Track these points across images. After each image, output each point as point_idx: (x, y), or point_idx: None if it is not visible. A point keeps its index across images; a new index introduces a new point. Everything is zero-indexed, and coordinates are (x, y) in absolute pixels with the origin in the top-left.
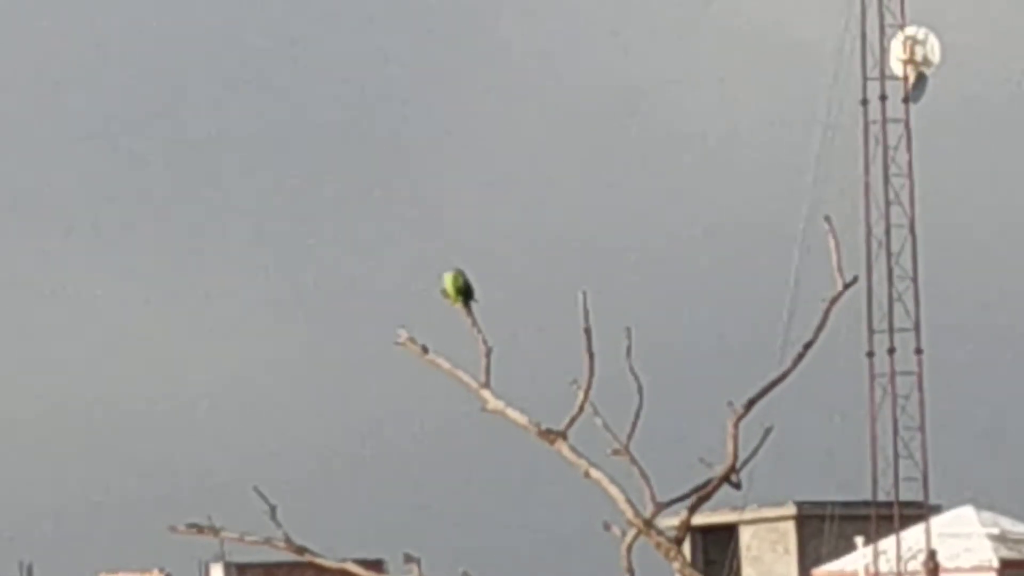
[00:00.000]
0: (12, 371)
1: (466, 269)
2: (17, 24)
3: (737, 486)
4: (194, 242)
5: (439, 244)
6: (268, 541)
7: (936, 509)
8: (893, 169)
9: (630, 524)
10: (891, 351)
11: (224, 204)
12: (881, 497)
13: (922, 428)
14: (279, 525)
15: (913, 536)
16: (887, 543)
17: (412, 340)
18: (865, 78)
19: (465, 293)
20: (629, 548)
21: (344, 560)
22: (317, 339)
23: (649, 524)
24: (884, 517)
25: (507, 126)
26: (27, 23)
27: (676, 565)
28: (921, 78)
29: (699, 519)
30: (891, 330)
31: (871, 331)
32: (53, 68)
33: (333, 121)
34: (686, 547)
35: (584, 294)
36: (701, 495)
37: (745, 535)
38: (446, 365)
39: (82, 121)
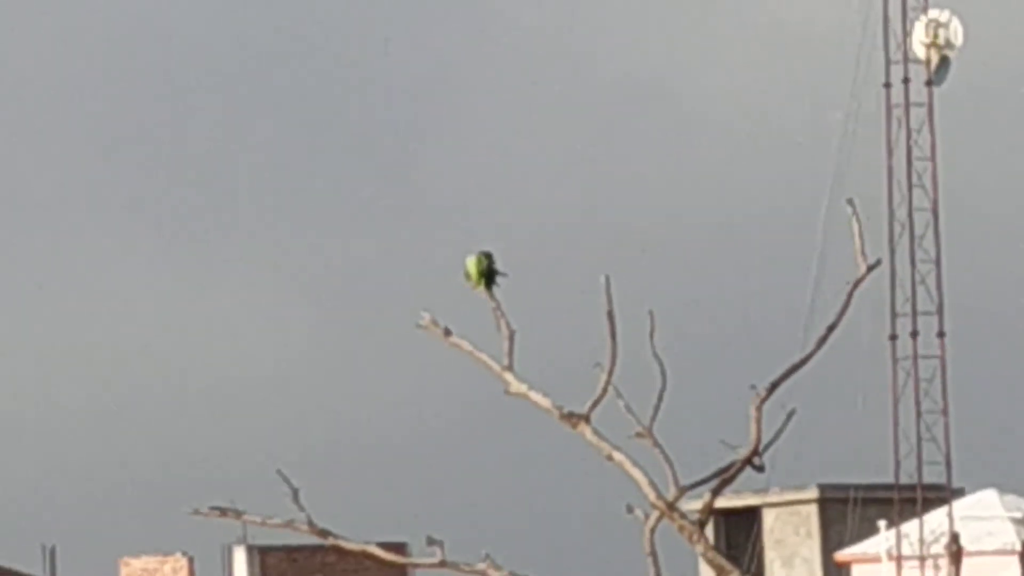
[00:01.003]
0: (36, 358)
1: (487, 253)
2: (22, 24)
3: (760, 469)
4: (213, 231)
5: (460, 229)
6: (290, 524)
7: (959, 492)
8: (916, 152)
9: (653, 507)
10: (914, 334)
11: (240, 190)
12: (904, 480)
13: (945, 411)
14: (302, 508)
15: (936, 519)
16: (910, 526)
17: (435, 322)
18: (888, 61)
19: (488, 276)
20: (652, 531)
21: (367, 543)
22: (340, 323)
23: (672, 507)
24: (907, 500)
25: (529, 110)
26: (31, 22)
27: (699, 548)
28: (944, 61)
29: (722, 502)
30: (914, 313)
31: (894, 314)
32: (66, 67)
33: (348, 103)
34: (708, 530)
35: (607, 278)
36: (724, 478)
37: (768, 518)
38: (468, 347)
39: (90, 115)
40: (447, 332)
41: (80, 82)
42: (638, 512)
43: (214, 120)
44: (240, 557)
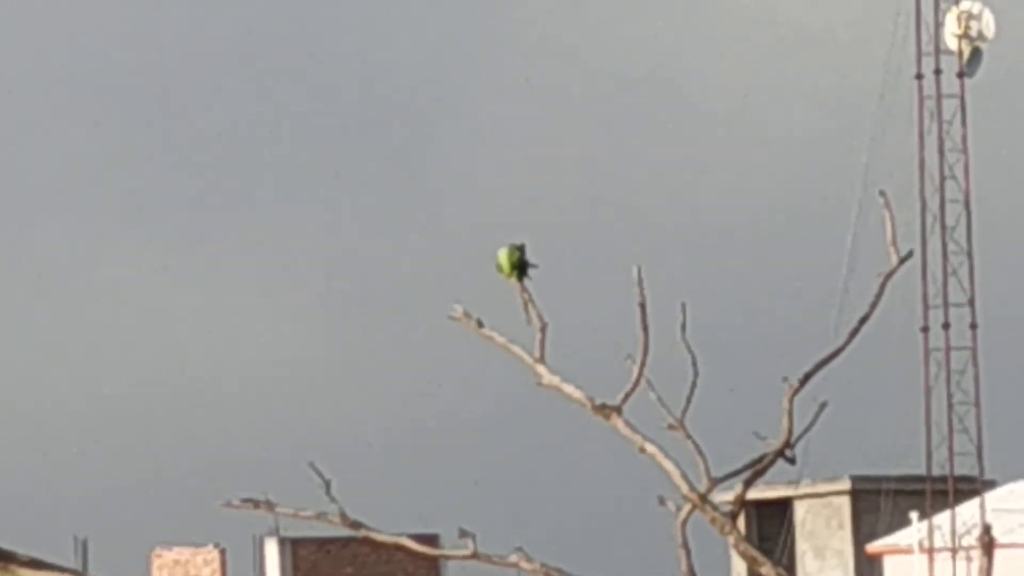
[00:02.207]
0: (68, 351)
1: (519, 245)
2: (13, 22)
3: (792, 460)
4: (240, 226)
5: (475, 223)
6: (322, 516)
7: (991, 484)
8: (948, 144)
9: (685, 499)
10: (946, 326)
11: (253, 185)
12: (936, 472)
13: (977, 403)
14: (334, 500)
15: (968, 511)
16: (942, 518)
17: (467, 314)
18: (920, 53)
19: (520, 268)
20: (684, 522)
21: (398, 535)
22: (369, 315)
23: (704, 499)
24: (939, 492)
25: (543, 105)
26: (23, 21)
27: (731, 539)
28: (976, 53)
29: (753, 494)
30: (946, 305)
31: (926, 306)
32: (67, 63)
33: (364, 96)
34: (740, 522)
35: (639, 269)
36: (756, 470)
37: (800, 510)
38: (501, 339)
39: (105, 105)
40: (479, 324)
41: (86, 78)
42: (670, 504)
43: (227, 116)
44: (272, 549)
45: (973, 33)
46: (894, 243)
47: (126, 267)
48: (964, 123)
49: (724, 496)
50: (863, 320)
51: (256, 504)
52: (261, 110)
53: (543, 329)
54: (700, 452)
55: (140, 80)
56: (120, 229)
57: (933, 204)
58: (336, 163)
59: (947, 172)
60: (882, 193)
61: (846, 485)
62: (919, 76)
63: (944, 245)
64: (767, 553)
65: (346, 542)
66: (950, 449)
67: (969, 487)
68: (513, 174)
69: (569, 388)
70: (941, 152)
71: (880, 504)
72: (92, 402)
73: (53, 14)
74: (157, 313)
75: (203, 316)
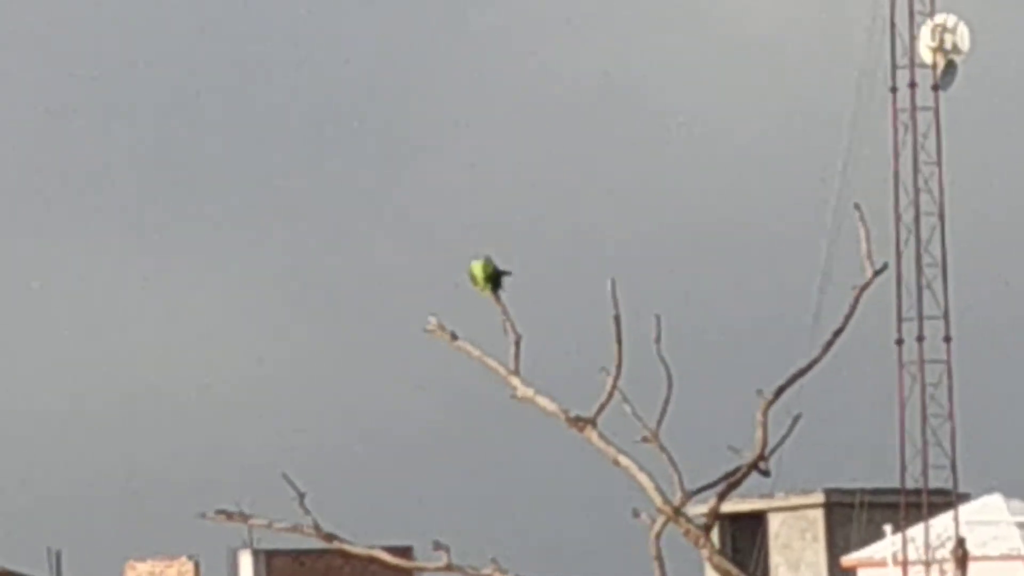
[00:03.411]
0: (40, 361)
1: (492, 256)
2: None
3: (766, 473)
4: (210, 234)
5: (461, 231)
6: (297, 528)
7: (965, 497)
8: (922, 157)
9: (659, 511)
10: (920, 339)
11: (229, 196)
12: (910, 485)
13: (951, 416)
14: (308, 512)
15: (942, 524)
16: (916, 531)
17: (442, 327)
18: (894, 66)
19: (494, 280)
20: (658, 535)
21: (372, 547)
22: (344, 326)
23: (678, 511)
24: (913, 505)
25: (515, 117)
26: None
27: (705, 552)
28: (950, 66)
29: (728, 506)
30: (920, 318)
31: (900, 319)
32: (51, 69)
33: (336, 110)
34: (714, 534)
35: (613, 282)
36: (730, 482)
37: (774, 523)
38: (475, 352)
39: (70, 112)
40: (454, 336)
41: (48, 85)
42: (644, 516)
43: (195, 125)
44: (246, 561)
45: (948, 46)
46: (868, 256)
47: (101, 281)
48: (938, 136)
49: (698, 509)
50: (837, 333)
51: (230, 516)
52: (231, 118)
53: (517, 342)
54: (674, 465)
55: (105, 89)
56: (94, 242)
57: (908, 217)
58: (306, 173)
59: (921, 185)
60: (856, 206)
61: (820, 498)
62: (893, 89)
63: (918, 258)
64: (741, 566)
65: (320, 554)
66: (924, 462)
67: (943, 500)
68: (482, 185)
69: (543, 400)
70: (915, 165)
71: (854, 517)
72: (67, 414)
73: (19, 24)
74: (133, 326)
75: (178, 329)
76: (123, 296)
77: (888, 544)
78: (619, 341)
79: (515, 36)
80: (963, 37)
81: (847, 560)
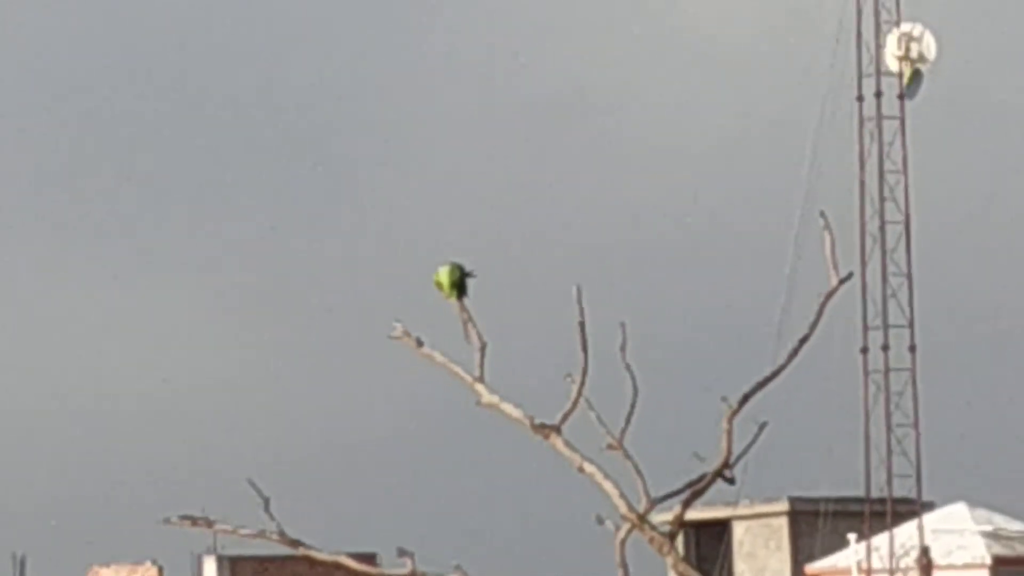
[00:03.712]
0: (2, 367)
1: (458, 263)
2: None
3: (731, 481)
4: (177, 240)
5: (425, 238)
6: (262, 534)
7: (929, 506)
8: (888, 165)
9: (624, 518)
10: (885, 347)
11: (193, 204)
12: (874, 493)
13: (915, 425)
14: (272, 518)
15: (906, 533)
16: (880, 539)
17: (407, 333)
18: (860, 74)
19: (460, 287)
20: (623, 542)
21: (337, 553)
22: (309, 333)
23: (643, 519)
24: (877, 514)
25: (473, 126)
26: None
27: (669, 560)
28: (916, 75)
29: (692, 514)
30: (885, 326)
31: (865, 327)
32: (44, 78)
33: (301, 118)
34: (679, 542)
35: (579, 289)
36: (695, 490)
37: (738, 531)
38: (441, 359)
39: (29, 120)
40: (419, 343)
41: (10, 95)
42: (609, 523)
43: (164, 135)
44: (210, 566)
45: (914, 55)
46: (834, 264)
47: (68, 284)
48: (904, 145)
49: (663, 516)
50: (803, 341)
51: (195, 521)
52: (191, 128)
53: (483, 349)
54: (639, 472)
55: (71, 95)
56: (62, 247)
57: (873, 226)
58: (272, 179)
59: (887, 194)
60: (822, 214)
61: (784, 506)
62: (859, 98)
63: (884, 267)
64: (706, 574)
65: (285, 560)
66: (888, 471)
67: (907, 509)
68: (444, 193)
69: (508, 407)
70: (881, 174)
71: (818, 525)
72: (30, 419)
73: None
74: (98, 332)
75: (142, 336)
76: (88, 303)
77: (852, 553)
78: (584, 348)
79: (478, 47)
80: (929, 46)
81: (811, 568)
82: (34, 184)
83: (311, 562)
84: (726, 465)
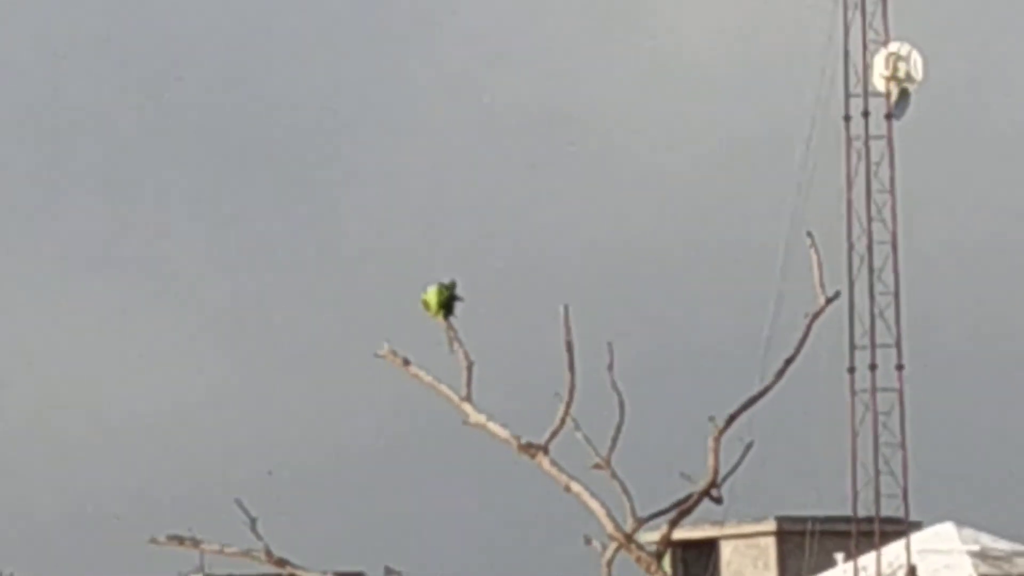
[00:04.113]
0: None
1: (447, 284)
2: None
3: (718, 500)
4: (151, 261)
5: (404, 255)
6: (248, 553)
7: (916, 525)
8: (875, 185)
9: (611, 538)
10: (872, 367)
11: (159, 224)
12: (861, 513)
13: (903, 444)
14: (259, 537)
15: (893, 552)
16: (867, 559)
17: (394, 352)
18: (848, 94)
19: (447, 307)
20: (610, 562)
21: (324, 572)
22: (294, 351)
23: (630, 538)
24: (864, 533)
25: (454, 144)
26: None
27: None
28: (904, 95)
29: (679, 534)
30: (872, 346)
31: (852, 347)
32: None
33: (269, 138)
34: (666, 562)
35: (566, 309)
36: (682, 509)
37: (726, 550)
38: (428, 378)
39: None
40: (406, 362)
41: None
42: (596, 543)
43: (133, 154)
44: None
45: (901, 75)
46: (821, 284)
47: (34, 305)
48: (892, 165)
49: (650, 536)
50: (789, 361)
51: (181, 541)
52: (165, 156)
53: (469, 368)
54: (626, 491)
55: (33, 107)
56: (29, 269)
57: (860, 245)
58: (243, 197)
59: (874, 214)
60: (809, 234)
61: (772, 526)
62: (847, 117)
63: (871, 286)
64: None
65: None
66: (876, 490)
67: (895, 528)
68: (427, 210)
69: (495, 427)
70: (868, 194)
71: (806, 545)
72: (13, 439)
73: None
74: (76, 347)
75: (123, 351)
76: (61, 323)
77: (840, 572)
78: (571, 368)
79: (457, 62)
80: (917, 66)
81: None
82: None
83: None
84: (713, 484)
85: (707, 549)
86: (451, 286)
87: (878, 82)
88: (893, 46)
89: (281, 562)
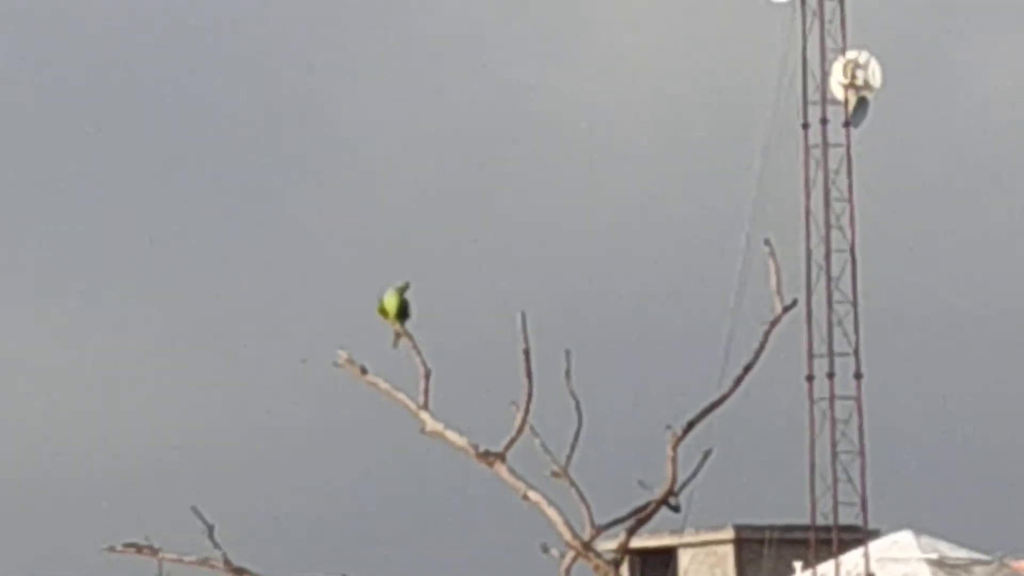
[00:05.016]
0: None
1: (399, 286)
2: None
3: (676, 509)
4: (116, 270)
5: (365, 254)
6: (206, 562)
7: (875, 533)
8: (834, 193)
9: (568, 546)
10: (830, 375)
11: (137, 223)
12: (820, 521)
13: (861, 452)
14: (217, 546)
15: (852, 560)
16: (826, 567)
17: (351, 360)
18: (806, 102)
19: (403, 312)
20: (567, 571)
21: None
22: (255, 356)
23: (587, 547)
24: (823, 541)
25: (425, 133)
26: None
27: None
28: (862, 102)
29: (637, 542)
30: (831, 354)
31: (811, 355)
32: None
33: (227, 135)
34: (624, 570)
35: (523, 315)
36: (640, 518)
37: (684, 559)
38: (385, 386)
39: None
40: (363, 370)
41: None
42: (554, 552)
43: (86, 159)
44: None
45: (860, 82)
46: (779, 292)
47: (16, 328)
48: (850, 173)
49: (608, 544)
50: (747, 368)
51: (139, 549)
52: (117, 164)
53: (427, 376)
54: (583, 500)
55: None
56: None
57: (818, 253)
58: (214, 211)
59: (833, 221)
60: (767, 242)
61: (730, 534)
62: (805, 125)
63: (829, 294)
64: None
65: None
66: (834, 498)
67: (853, 536)
68: (385, 210)
69: (452, 435)
70: (827, 201)
71: (764, 553)
72: None
73: None
74: (39, 355)
75: (84, 360)
76: (26, 336)
77: None
78: (529, 375)
79: (419, 55)
80: (875, 73)
81: None
82: None
83: None
84: (671, 493)
85: (665, 557)
86: (404, 288)
87: (836, 90)
88: (851, 54)
89: (239, 571)
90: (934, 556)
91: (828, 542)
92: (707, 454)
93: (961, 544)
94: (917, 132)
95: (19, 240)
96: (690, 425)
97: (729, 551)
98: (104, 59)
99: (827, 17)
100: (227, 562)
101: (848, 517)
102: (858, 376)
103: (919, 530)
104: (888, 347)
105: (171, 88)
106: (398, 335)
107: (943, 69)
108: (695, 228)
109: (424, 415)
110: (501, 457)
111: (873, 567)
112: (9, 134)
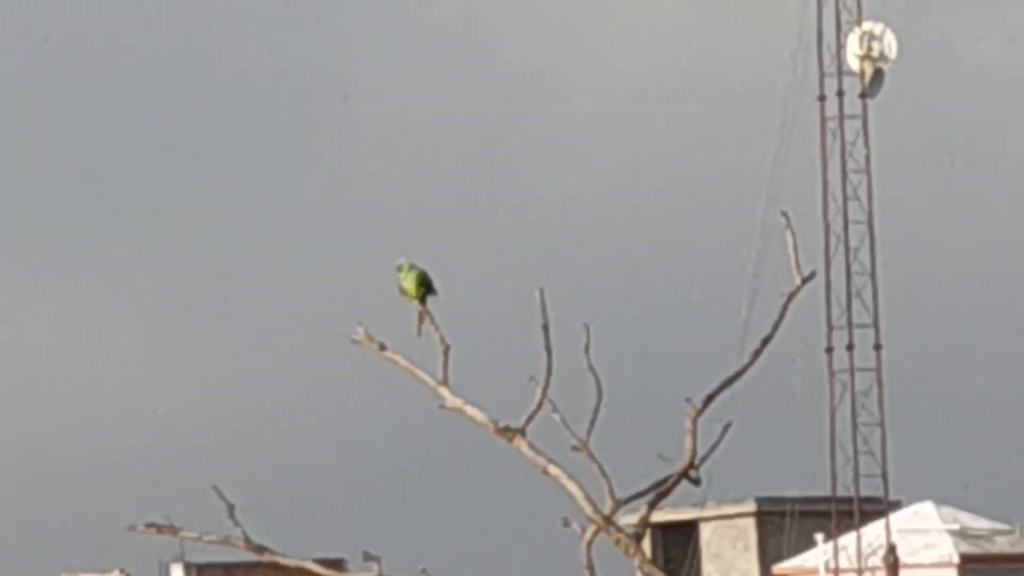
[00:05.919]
0: None
1: (419, 268)
2: None
3: (696, 482)
4: (120, 255)
5: (380, 234)
6: (227, 540)
7: (896, 505)
8: (851, 165)
9: (589, 521)
10: (850, 347)
11: (140, 210)
12: (841, 493)
13: (881, 424)
14: (237, 524)
15: (873, 532)
16: (847, 539)
17: (369, 337)
18: (822, 74)
19: (426, 289)
20: (589, 544)
21: (304, 559)
22: (269, 338)
23: (608, 521)
24: (844, 513)
25: (434, 119)
26: None
27: (636, 561)
28: (878, 73)
29: (658, 516)
30: (850, 326)
31: (830, 327)
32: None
33: (220, 125)
34: (646, 544)
35: (542, 291)
36: (660, 491)
37: (705, 532)
38: (403, 362)
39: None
40: (382, 347)
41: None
42: (575, 526)
43: (82, 147)
44: (177, 573)
45: (875, 54)
46: (797, 264)
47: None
48: (866, 144)
49: (629, 518)
50: (766, 341)
51: (160, 528)
52: (110, 151)
53: (446, 351)
54: (604, 474)
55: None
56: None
57: (836, 225)
58: (216, 189)
59: (850, 193)
60: (784, 214)
61: (751, 507)
62: (821, 97)
63: (848, 266)
64: (673, 575)
65: (251, 566)
66: (855, 470)
67: (874, 508)
68: (397, 185)
69: (472, 410)
70: (844, 173)
71: (785, 525)
72: None
73: None
74: (47, 344)
75: (96, 341)
76: (25, 327)
77: (820, 553)
78: (548, 350)
79: (407, 52)
80: (890, 45)
81: (779, 569)
82: None
83: (277, 568)
84: (691, 466)
85: (687, 531)
86: (414, 269)
87: (852, 61)
88: (867, 25)
89: (260, 548)
90: (955, 527)
91: (849, 514)
92: (727, 427)
93: (982, 514)
94: (932, 103)
95: (35, 219)
96: (709, 398)
97: (750, 524)
98: (104, 46)
99: None
100: (247, 540)
101: (869, 489)
102: (877, 347)
103: (940, 501)
104: (908, 318)
105: (172, 67)
106: (421, 318)
107: (957, 40)
108: (713, 201)
109: (443, 391)
110: (521, 432)
111: (895, 538)
112: (9, 128)
